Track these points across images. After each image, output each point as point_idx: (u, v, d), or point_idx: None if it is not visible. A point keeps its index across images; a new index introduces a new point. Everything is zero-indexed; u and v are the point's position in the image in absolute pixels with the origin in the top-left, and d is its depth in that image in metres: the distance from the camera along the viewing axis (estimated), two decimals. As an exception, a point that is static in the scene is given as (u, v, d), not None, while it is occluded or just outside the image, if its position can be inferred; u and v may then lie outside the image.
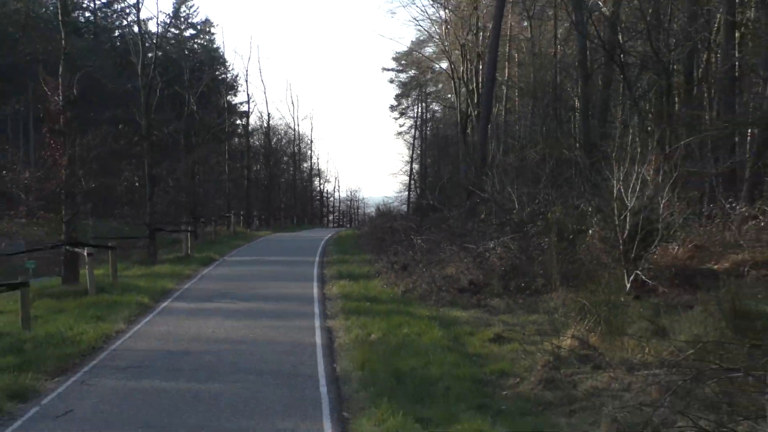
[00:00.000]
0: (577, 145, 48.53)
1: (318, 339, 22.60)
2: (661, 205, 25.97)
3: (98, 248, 33.75)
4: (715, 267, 26.27)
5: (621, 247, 24.99)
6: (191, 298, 31.43)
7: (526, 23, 75.20)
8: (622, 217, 25.33)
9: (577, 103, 60.83)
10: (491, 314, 24.91)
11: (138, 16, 61.02)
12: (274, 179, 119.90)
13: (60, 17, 36.03)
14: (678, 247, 26.90)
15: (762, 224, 29.66)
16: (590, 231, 29.33)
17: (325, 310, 27.80)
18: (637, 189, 25.36)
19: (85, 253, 31.51)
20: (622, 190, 25.56)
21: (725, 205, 31.60)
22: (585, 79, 51.40)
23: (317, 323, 25.03)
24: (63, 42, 34.39)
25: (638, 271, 24.32)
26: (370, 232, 62.84)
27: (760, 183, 34.42)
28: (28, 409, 15.70)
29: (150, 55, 60.73)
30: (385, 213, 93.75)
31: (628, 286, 23.55)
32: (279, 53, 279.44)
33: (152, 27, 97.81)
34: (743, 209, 31.78)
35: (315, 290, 33.63)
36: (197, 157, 76.06)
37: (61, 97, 30.71)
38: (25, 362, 18.83)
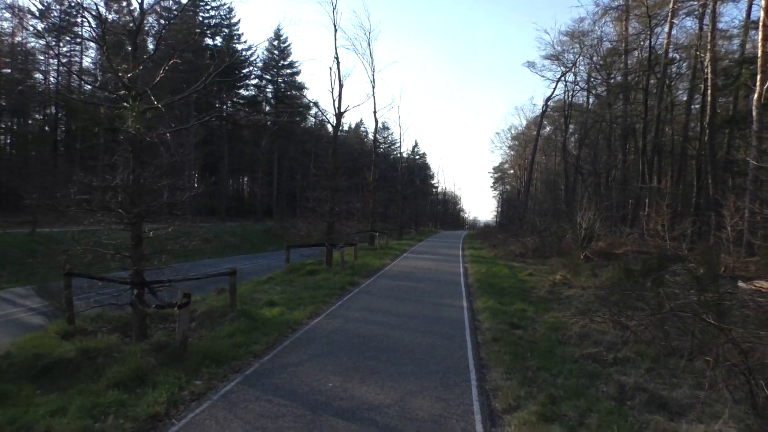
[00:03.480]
0: (564, 204, 46.52)
1: (461, 270, 22.08)
2: (595, 227, 24.77)
3: (381, 233, 33.65)
4: (617, 252, 24.91)
5: (580, 242, 23.88)
6: (415, 252, 31.17)
7: (544, 156, 72.85)
8: (579, 230, 24.23)
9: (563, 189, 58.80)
10: (527, 265, 23.88)
11: (400, 151, 60.92)
12: (448, 207, 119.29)
13: (374, 149, 36.15)
14: (600, 243, 25.45)
15: (635, 236, 28.09)
16: (567, 236, 28.29)
17: (464, 260, 27.13)
18: (586, 220, 24.21)
19: (377, 234, 31.68)
20: (580, 221, 24.44)
21: (621, 227, 30.07)
22: (567, 179, 49.47)
23: (461, 265, 24.48)
24: (374, 157, 34.67)
25: (586, 252, 23.17)
26: (482, 233, 61.45)
27: (635, 218, 32.47)
28: (354, 289, 15.70)
29: (404, 164, 61.07)
30: (487, 226, 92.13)
31: (582, 257, 22.43)
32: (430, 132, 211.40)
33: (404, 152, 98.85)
34: (627, 230, 30.18)
35: (460, 252, 33.16)
36: (420, 202, 75.62)
37: (371, 179, 30.79)
38: (355, 272, 18.82)
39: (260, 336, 9.20)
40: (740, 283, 16.00)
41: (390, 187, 54.62)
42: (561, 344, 9.41)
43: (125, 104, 8.58)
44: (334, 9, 20.79)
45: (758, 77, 24.68)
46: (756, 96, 24.88)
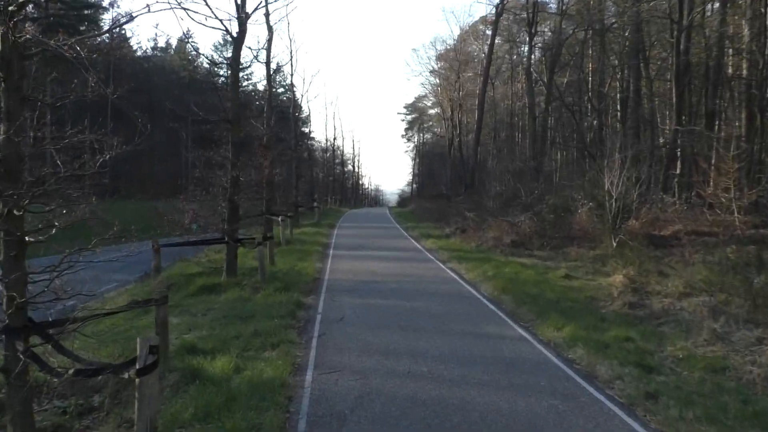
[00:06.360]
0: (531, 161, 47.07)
1: (451, 274, 21.65)
2: (632, 197, 25.33)
3: (285, 216, 32.43)
4: (664, 234, 25.65)
5: (611, 221, 24.32)
6: (344, 247, 30.63)
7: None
8: (609, 203, 24.62)
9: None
10: (542, 261, 23.96)
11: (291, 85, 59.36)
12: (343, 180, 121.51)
13: (268, 81, 35.49)
14: (635, 221, 26.00)
15: (685, 207, 29.05)
16: (579, 211, 28.80)
17: (436, 257, 27.02)
18: (616, 187, 24.71)
19: (280, 219, 30.46)
20: (609, 187, 24.85)
21: (655, 195, 31.06)
22: (534, 122, 50.12)
23: (441, 265, 24.15)
24: (269, 93, 33.96)
25: (621, 236, 23.67)
26: (419, 210, 61.43)
27: (683, 185, 33.54)
28: (311, 315, 14.83)
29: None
30: (406, 198, 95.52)
31: (614, 244, 22.97)
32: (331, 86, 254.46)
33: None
34: (668, 198, 31.25)
35: (413, 242, 33.36)
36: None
37: (266, 128, 29.82)
38: (286, 286, 17.58)
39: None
40: None
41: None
42: (753, 396, 9.10)
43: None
44: None
45: None
46: None
